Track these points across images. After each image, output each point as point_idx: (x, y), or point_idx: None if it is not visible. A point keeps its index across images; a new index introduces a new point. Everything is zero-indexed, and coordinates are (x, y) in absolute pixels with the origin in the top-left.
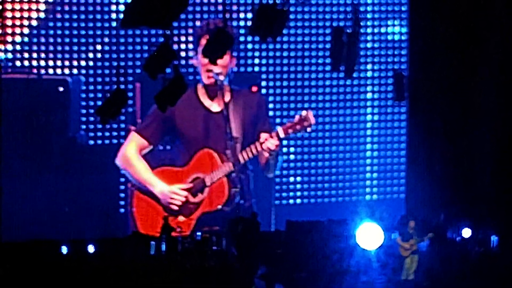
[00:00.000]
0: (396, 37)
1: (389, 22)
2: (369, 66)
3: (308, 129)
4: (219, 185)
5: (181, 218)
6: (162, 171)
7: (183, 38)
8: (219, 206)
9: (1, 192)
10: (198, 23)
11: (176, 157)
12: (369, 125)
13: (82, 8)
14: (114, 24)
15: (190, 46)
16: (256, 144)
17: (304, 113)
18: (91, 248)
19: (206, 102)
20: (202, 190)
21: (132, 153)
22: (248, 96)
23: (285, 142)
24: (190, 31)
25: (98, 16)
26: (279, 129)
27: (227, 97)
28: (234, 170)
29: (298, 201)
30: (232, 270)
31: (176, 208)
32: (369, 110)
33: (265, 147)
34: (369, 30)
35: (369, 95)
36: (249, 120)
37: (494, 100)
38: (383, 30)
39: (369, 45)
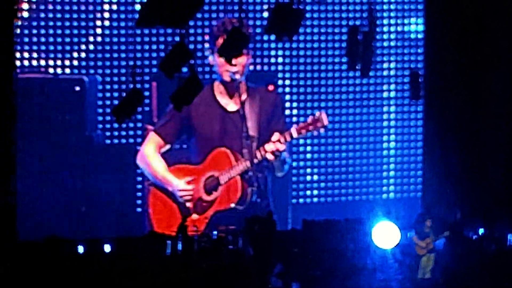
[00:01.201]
0: (413, 36)
1: (406, 21)
2: (385, 65)
3: (322, 130)
4: (233, 184)
5: (194, 216)
6: (177, 168)
7: (199, 38)
8: (233, 205)
9: (16, 191)
10: (214, 22)
11: (192, 155)
12: (385, 123)
13: (99, 8)
14: (130, 23)
15: (206, 45)
16: (270, 143)
17: (317, 114)
18: (107, 248)
19: (223, 101)
20: (216, 188)
21: (150, 152)
22: (264, 93)
23: (301, 141)
24: (206, 30)
25: (115, 16)
26: (293, 130)
27: (244, 95)
28: (251, 169)
29: (315, 199)
30: (248, 269)
31: (188, 203)
32: (385, 108)
33: (268, 149)
34: (385, 29)
35: (385, 94)
36: (265, 119)
37: (510, 99)
38: (399, 28)
39: (385, 43)
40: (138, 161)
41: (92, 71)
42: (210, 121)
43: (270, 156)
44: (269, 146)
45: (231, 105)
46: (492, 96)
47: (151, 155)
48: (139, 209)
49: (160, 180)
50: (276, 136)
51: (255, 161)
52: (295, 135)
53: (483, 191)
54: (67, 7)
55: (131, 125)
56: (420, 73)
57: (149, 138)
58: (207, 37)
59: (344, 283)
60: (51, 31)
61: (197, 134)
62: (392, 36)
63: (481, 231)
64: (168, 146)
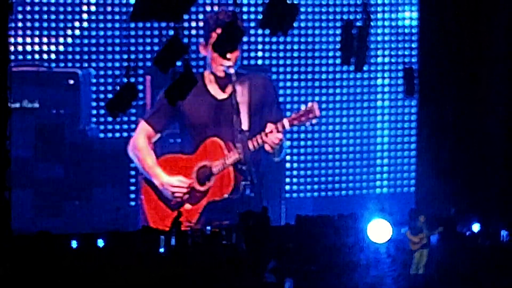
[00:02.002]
0: (407, 30)
1: (400, 15)
2: (379, 59)
3: (314, 121)
4: (226, 174)
5: (187, 206)
6: (169, 158)
7: (193, 32)
8: (226, 195)
9: (11, 186)
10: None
11: (184, 144)
12: (379, 118)
13: (93, 1)
14: (124, 17)
15: (201, 39)
16: (262, 134)
17: (309, 105)
18: (100, 242)
19: (213, 89)
20: (209, 179)
21: (139, 142)
22: (254, 79)
23: (295, 136)
24: (201, 24)
25: (109, 9)
26: (285, 121)
27: (235, 84)
28: (243, 160)
29: (309, 194)
30: (242, 264)
31: (179, 200)
32: (379, 103)
33: (269, 140)
34: (379, 23)
35: (379, 89)
36: (256, 106)
37: (504, 94)
38: (393, 23)
39: (379, 38)
40: (129, 151)
41: (86, 64)
42: (201, 110)
43: (267, 147)
44: (261, 138)
45: (222, 93)
46: (487, 91)
47: (141, 147)
48: (132, 203)
49: (148, 172)
50: (270, 127)
51: (248, 151)
52: (287, 126)
53: (477, 187)
54: (61, 0)
55: (125, 119)
56: (414, 68)
57: (139, 128)
58: (201, 31)
59: (338, 278)
60: (45, 24)
61: (189, 124)
62: (386, 30)
63: (475, 227)
64: (158, 135)
